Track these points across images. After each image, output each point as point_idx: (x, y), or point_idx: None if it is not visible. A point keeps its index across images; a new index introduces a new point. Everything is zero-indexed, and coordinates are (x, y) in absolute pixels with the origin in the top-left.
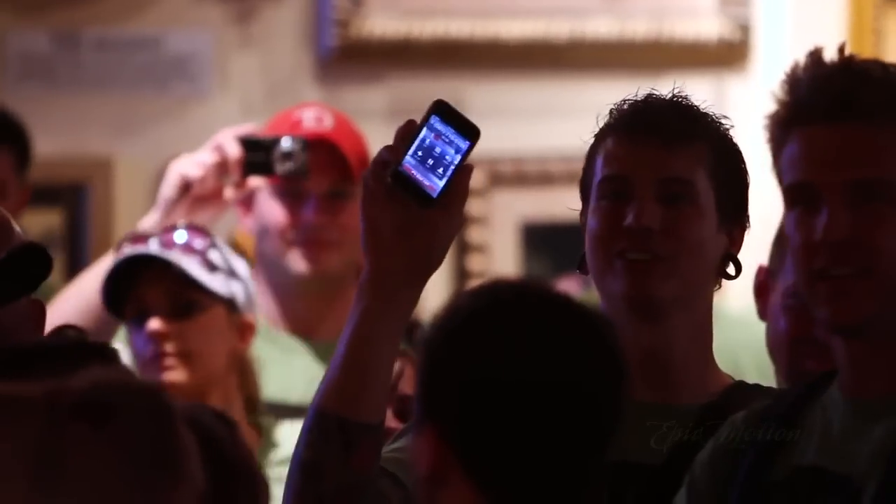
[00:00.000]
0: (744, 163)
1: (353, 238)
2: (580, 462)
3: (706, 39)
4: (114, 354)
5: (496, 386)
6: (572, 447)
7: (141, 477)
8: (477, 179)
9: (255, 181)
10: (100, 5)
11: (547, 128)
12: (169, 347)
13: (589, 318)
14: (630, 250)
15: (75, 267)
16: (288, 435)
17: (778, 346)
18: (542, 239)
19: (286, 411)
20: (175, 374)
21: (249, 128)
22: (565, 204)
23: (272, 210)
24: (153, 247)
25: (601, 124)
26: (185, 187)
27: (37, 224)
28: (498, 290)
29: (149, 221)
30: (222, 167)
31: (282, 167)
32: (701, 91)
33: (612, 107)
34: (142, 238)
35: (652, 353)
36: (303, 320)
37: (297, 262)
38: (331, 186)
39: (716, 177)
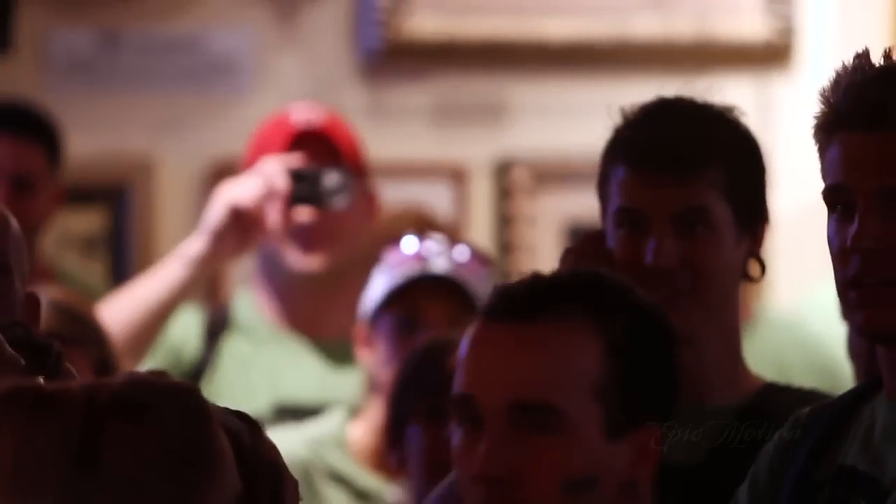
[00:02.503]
0: (760, 157)
1: (351, 233)
2: None
3: (751, 39)
4: (59, 356)
5: None
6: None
7: (176, 473)
8: (521, 179)
9: (303, 213)
10: (141, 4)
11: (591, 127)
12: None
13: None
14: (651, 289)
15: (117, 266)
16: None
17: (857, 349)
18: None
19: (299, 412)
20: None
21: (295, 158)
22: None
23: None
24: (438, 263)
25: (614, 123)
26: (235, 215)
27: (78, 224)
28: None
29: (193, 246)
30: (268, 196)
31: (333, 202)
32: (745, 91)
33: (624, 112)
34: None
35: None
36: (305, 318)
37: (295, 260)
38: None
39: (732, 190)
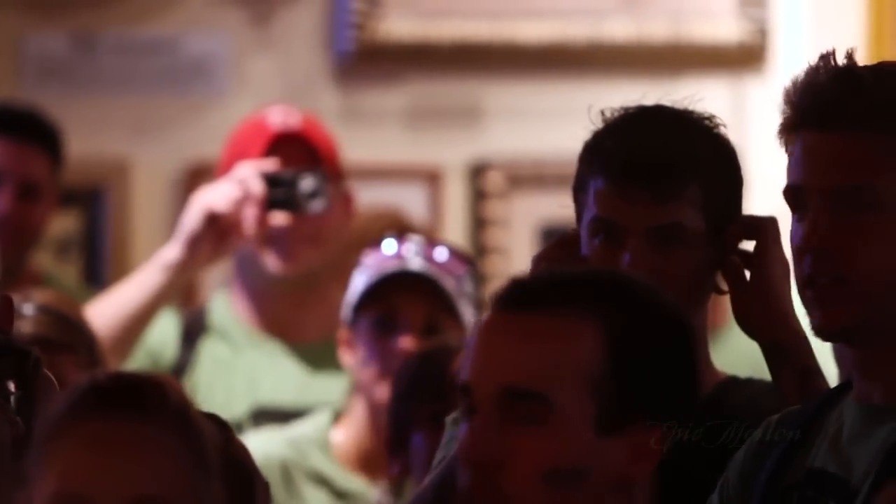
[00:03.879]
0: (737, 169)
1: (328, 235)
2: None
3: (724, 41)
4: (37, 361)
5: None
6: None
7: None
8: (495, 182)
9: (279, 217)
10: (117, 7)
11: (565, 130)
12: None
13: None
14: None
15: (93, 270)
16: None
17: (841, 351)
18: None
19: (278, 416)
20: None
21: (270, 163)
22: None
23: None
24: (416, 262)
25: (593, 127)
26: (211, 220)
27: (54, 227)
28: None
29: (170, 253)
30: (244, 201)
31: (309, 206)
32: (719, 93)
33: (605, 117)
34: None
35: None
36: (282, 322)
37: (272, 263)
38: None
39: (708, 205)
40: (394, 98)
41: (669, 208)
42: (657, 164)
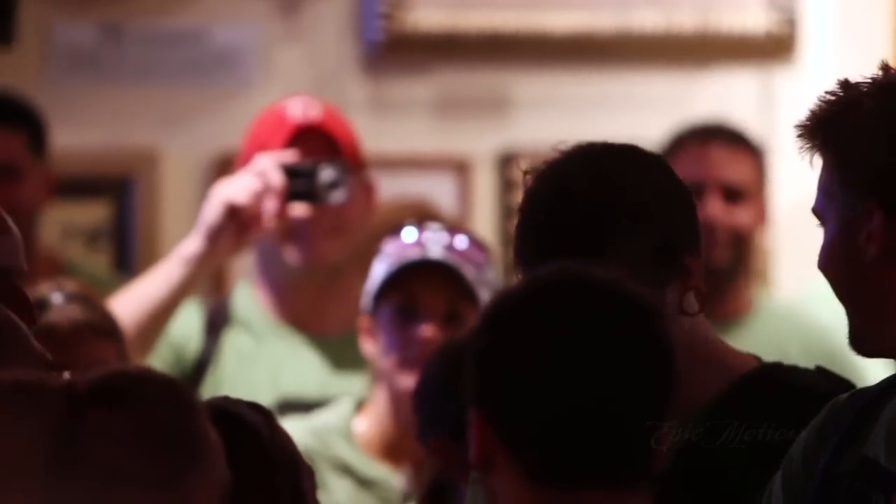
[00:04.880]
0: (680, 206)
1: (348, 226)
2: (623, 447)
3: (753, 31)
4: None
5: (534, 373)
6: (614, 432)
7: (158, 460)
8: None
9: (299, 209)
10: None
11: (593, 120)
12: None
13: (632, 302)
14: None
15: (122, 258)
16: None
17: None
18: None
19: (303, 407)
20: None
21: (290, 154)
22: None
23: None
24: (436, 250)
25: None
26: (231, 213)
27: (82, 217)
28: (540, 276)
29: (191, 246)
30: (263, 193)
31: (329, 197)
32: (747, 84)
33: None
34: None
35: None
36: (305, 313)
37: (292, 255)
38: None
39: (650, 255)
40: (422, 88)
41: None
42: (579, 245)
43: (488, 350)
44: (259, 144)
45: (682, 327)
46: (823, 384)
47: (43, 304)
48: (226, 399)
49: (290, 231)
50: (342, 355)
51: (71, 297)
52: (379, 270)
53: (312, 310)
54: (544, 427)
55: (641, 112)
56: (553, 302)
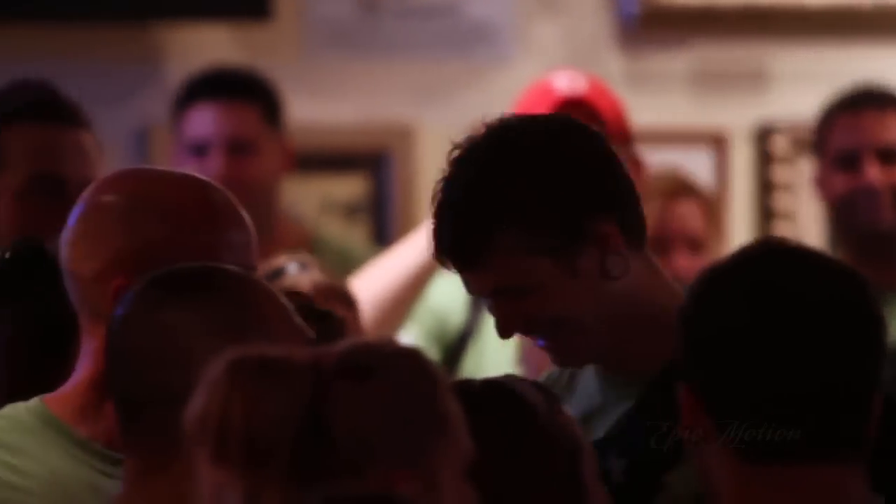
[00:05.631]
0: (600, 169)
1: None
2: (840, 421)
3: None
4: (341, 323)
5: (748, 346)
6: (832, 406)
7: (403, 434)
8: (781, 146)
9: None
10: None
11: None
12: None
13: (842, 273)
14: None
15: (380, 232)
16: None
17: None
18: None
19: None
20: None
21: None
22: None
23: None
24: None
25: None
26: None
27: (340, 191)
28: (747, 250)
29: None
30: None
31: None
32: None
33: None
34: None
35: None
36: None
37: None
38: None
39: (539, 240)
40: (679, 62)
41: (496, 270)
42: (461, 250)
43: (697, 321)
44: None
45: (611, 292)
46: None
47: (279, 273)
48: (509, 377)
49: None
50: None
51: (305, 267)
52: None
53: None
54: (760, 404)
55: None
56: (764, 274)
